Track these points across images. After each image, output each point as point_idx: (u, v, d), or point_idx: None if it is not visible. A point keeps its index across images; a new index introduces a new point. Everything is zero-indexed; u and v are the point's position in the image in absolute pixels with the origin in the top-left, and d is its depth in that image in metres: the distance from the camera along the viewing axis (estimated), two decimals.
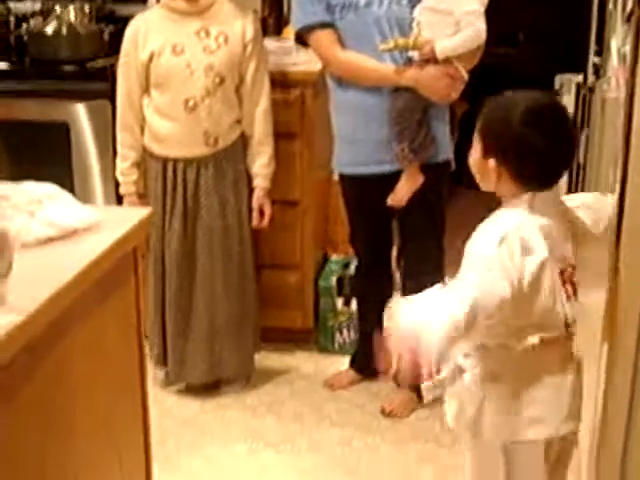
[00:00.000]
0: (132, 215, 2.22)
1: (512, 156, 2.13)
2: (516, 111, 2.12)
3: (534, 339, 2.15)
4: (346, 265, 4.17)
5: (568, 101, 4.48)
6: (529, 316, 2.12)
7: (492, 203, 2.25)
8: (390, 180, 3.45)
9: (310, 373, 4.03)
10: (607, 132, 3.21)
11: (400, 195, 3.45)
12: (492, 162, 2.16)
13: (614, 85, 2.99)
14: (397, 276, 3.96)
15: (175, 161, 3.56)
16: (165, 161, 3.57)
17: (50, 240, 2.01)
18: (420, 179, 3.42)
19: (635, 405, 2.76)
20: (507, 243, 2.05)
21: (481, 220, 2.20)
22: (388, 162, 3.43)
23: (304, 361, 4.13)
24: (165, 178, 3.58)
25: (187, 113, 3.48)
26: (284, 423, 3.65)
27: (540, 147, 2.10)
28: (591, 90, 3.55)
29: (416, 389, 3.67)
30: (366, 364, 3.92)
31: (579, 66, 4.45)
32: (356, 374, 3.94)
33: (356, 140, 3.48)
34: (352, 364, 3.96)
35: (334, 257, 4.23)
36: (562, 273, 2.15)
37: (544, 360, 2.18)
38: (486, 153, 2.18)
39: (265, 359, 4.02)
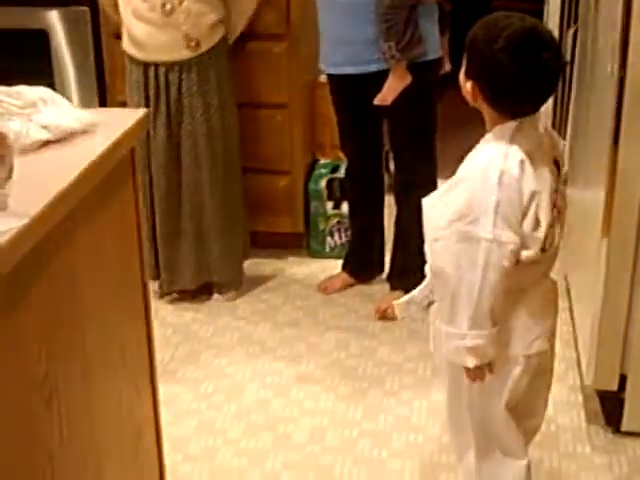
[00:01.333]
0: (128, 116, 2.15)
1: (486, 82, 2.07)
2: (498, 37, 2.02)
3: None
4: (335, 168, 4.12)
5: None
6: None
7: None
8: (379, 79, 3.38)
9: (302, 278, 4.01)
10: (601, 27, 3.15)
11: (386, 94, 3.38)
12: (469, 84, 2.10)
13: None
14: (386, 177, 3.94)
15: (156, 66, 3.47)
16: (146, 66, 3.48)
17: (47, 143, 1.94)
18: (407, 78, 3.35)
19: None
20: (502, 188, 2.01)
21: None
22: (376, 61, 3.36)
23: (296, 266, 4.10)
24: (147, 83, 3.49)
25: (165, 16, 3.37)
26: (279, 329, 3.63)
27: (517, 76, 2.01)
28: None
29: (406, 289, 3.66)
30: (359, 267, 3.91)
31: None
32: (349, 277, 3.92)
33: (343, 39, 3.39)
34: (344, 267, 3.94)
35: (322, 160, 4.17)
36: (551, 197, 2.10)
37: (518, 278, 2.12)
38: (467, 73, 2.11)
39: (256, 265, 3.99)
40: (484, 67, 2.06)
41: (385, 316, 3.62)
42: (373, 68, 3.37)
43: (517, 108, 2.08)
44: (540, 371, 2.25)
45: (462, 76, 2.15)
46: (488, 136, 2.13)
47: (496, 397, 2.25)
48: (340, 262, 4.00)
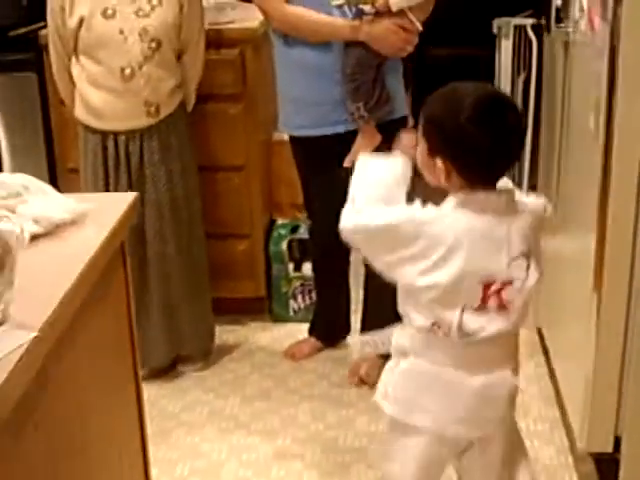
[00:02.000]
0: (115, 201, 2.02)
1: (459, 154, 2.00)
2: (461, 108, 1.97)
3: (426, 322, 2.08)
4: (294, 228, 4.00)
5: (506, 45, 4.38)
6: (411, 299, 2.10)
7: None
8: (345, 140, 3.28)
9: (267, 344, 3.87)
10: (575, 74, 3.09)
11: (356, 155, 3.28)
12: (439, 161, 2.02)
13: (585, 27, 2.86)
14: None
15: (116, 134, 3.32)
16: (104, 135, 3.33)
17: (37, 237, 1.80)
18: (377, 138, 3.26)
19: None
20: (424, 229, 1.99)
21: None
22: (343, 122, 3.27)
23: (259, 332, 3.97)
24: (106, 153, 3.34)
25: (124, 82, 3.24)
26: (250, 401, 3.48)
27: (488, 144, 1.96)
28: (547, 30, 3.41)
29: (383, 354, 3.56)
30: (327, 330, 3.79)
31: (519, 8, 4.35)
32: (317, 342, 3.79)
33: (308, 101, 3.29)
34: (311, 331, 3.81)
35: (280, 221, 4.04)
36: (487, 285, 2.02)
37: (439, 351, 2.10)
38: (431, 152, 2.04)
39: (219, 333, 3.83)
40: (452, 140, 1.99)
41: (364, 382, 3.50)
42: (340, 129, 3.28)
43: (489, 174, 2.03)
44: None
45: (423, 159, 2.07)
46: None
47: None
48: (304, 326, 3.88)
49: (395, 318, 3.50)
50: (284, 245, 3.93)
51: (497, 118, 1.98)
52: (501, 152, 2.01)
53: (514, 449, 2.26)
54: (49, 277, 1.64)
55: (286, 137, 3.88)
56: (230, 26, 3.66)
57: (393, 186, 2.14)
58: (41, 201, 1.87)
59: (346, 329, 3.81)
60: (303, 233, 3.96)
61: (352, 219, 2.12)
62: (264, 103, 3.79)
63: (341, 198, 3.56)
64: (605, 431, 2.84)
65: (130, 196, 2.01)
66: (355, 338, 2.34)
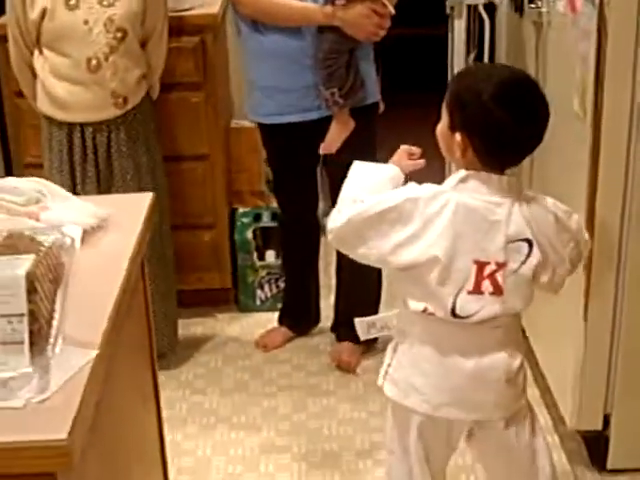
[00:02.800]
0: (132, 203, 1.95)
1: (479, 132, 2.01)
2: (487, 85, 1.98)
3: (419, 305, 2.08)
4: (257, 216, 3.95)
5: (459, 25, 4.37)
6: (406, 283, 2.10)
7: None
8: (317, 127, 3.25)
9: (237, 335, 3.82)
10: (551, 56, 3.09)
11: (331, 142, 3.26)
12: (458, 136, 2.03)
13: (564, 9, 2.86)
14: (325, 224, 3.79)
15: (82, 127, 3.23)
16: (70, 127, 3.23)
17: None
18: (351, 124, 3.23)
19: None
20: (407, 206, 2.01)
21: None
22: (315, 109, 3.23)
23: (227, 323, 3.91)
24: (72, 147, 3.24)
25: (90, 73, 3.14)
26: (228, 394, 3.43)
27: (509, 123, 1.97)
28: (519, 12, 3.41)
29: (356, 338, 3.54)
30: (297, 318, 3.76)
31: None
32: (287, 331, 3.76)
33: (280, 88, 3.23)
34: (281, 321, 3.77)
35: (242, 209, 3.98)
36: (479, 265, 2.02)
37: (433, 333, 2.11)
38: (453, 126, 2.05)
39: (186, 326, 3.77)
40: (474, 116, 1.99)
41: (344, 369, 3.50)
42: (313, 116, 3.23)
43: (507, 158, 2.04)
44: None
45: (443, 130, 2.08)
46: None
47: None
48: (272, 315, 3.84)
49: (368, 304, 3.52)
50: (249, 234, 3.88)
51: (520, 100, 1.99)
52: (520, 136, 2.00)
53: (531, 435, 2.25)
54: (91, 288, 1.57)
55: (246, 124, 3.84)
56: (190, 13, 3.58)
57: (384, 186, 2.12)
58: (64, 207, 1.80)
59: (317, 317, 3.79)
60: (266, 221, 3.91)
61: (344, 214, 2.09)
62: (223, 91, 3.72)
63: (312, 186, 3.56)
64: (594, 409, 2.87)
65: (147, 197, 1.95)
66: (361, 320, 2.31)
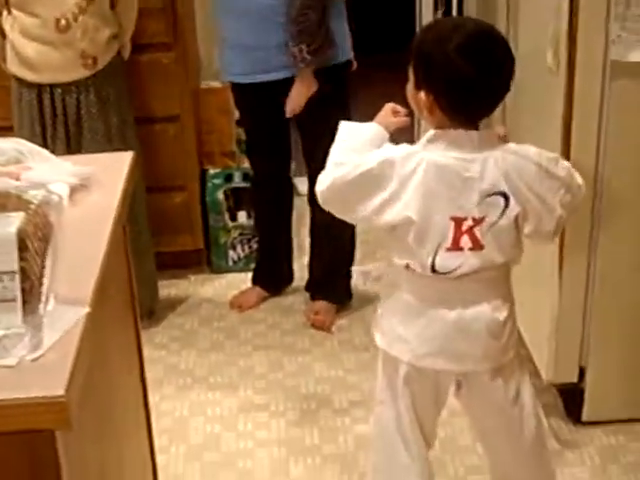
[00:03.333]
0: (113, 162, 1.94)
1: (444, 87, 1.98)
2: (452, 40, 1.95)
3: (401, 262, 2.09)
4: (227, 177, 3.93)
5: None
6: (390, 239, 2.10)
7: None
8: (289, 86, 3.24)
9: (211, 297, 3.82)
10: (523, 9, 3.09)
11: (296, 102, 3.24)
12: (422, 93, 2.01)
13: None
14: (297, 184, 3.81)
15: (52, 87, 3.20)
16: (40, 88, 3.20)
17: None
18: (314, 85, 3.22)
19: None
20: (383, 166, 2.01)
21: None
22: (287, 67, 3.21)
23: (201, 285, 3.91)
24: (42, 107, 3.22)
25: (60, 34, 3.11)
26: (205, 355, 3.44)
27: (473, 77, 1.94)
28: None
29: (330, 297, 3.56)
30: (271, 278, 3.76)
31: None
32: (261, 290, 3.76)
33: (251, 46, 3.22)
34: (255, 281, 3.78)
35: (212, 170, 3.96)
36: (457, 222, 2.03)
37: (416, 286, 2.11)
38: (418, 84, 2.03)
39: (161, 289, 3.76)
40: (438, 70, 1.98)
41: (321, 327, 3.52)
42: (287, 74, 3.22)
43: (472, 112, 2.02)
44: None
45: (410, 91, 2.07)
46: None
47: None
48: (245, 275, 3.84)
49: (342, 263, 3.53)
50: (220, 195, 3.87)
51: (485, 52, 1.96)
52: (485, 88, 1.98)
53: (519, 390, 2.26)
54: (78, 246, 1.56)
55: (215, 85, 3.83)
56: None
57: (368, 146, 2.11)
58: (45, 167, 1.78)
59: (290, 276, 3.79)
60: (238, 182, 3.90)
61: (329, 176, 2.08)
62: (193, 52, 3.70)
63: (285, 146, 3.55)
64: (570, 362, 2.90)
65: (129, 155, 1.94)
66: (359, 269, 2.32)
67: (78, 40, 3.13)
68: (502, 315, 2.16)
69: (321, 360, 3.36)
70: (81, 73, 3.19)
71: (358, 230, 3.60)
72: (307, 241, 3.68)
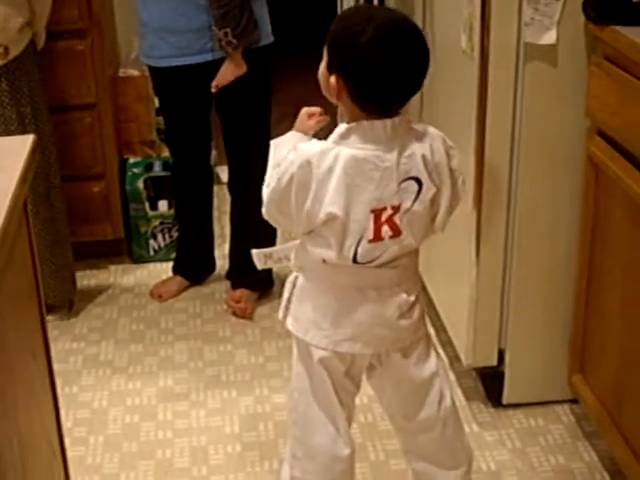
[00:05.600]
0: (11, 146, 1.88)
1: (354, 75, 1.96)
2: (366, 28, 1.92)
3: (317, 251, 2.07)
4: (148, 166, 3.89)
5: None
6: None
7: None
8: (210, 70, 3.19)
9: (131, 286, 3.77)
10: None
11: (224, 77, 3.19)
12: (333, 78, 1.98)
13: None
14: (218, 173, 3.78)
15: None
16: None
17: None
18: (243, 68, 3.19)
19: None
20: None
21: None
22: (209, 51, 3.18)
23: (120, 275, 3.86)
24: None
25: None
26: (124, 345, 3.39)
27: (385, 68, 1.92)
28: None
29: (251, 285, 3.54)
30: (192, 267, 3.73)
31: None
32: (182, 280, 3.73)
33: (173, 30, 3.18)
34: (176, 270, 3.74)
35: (132, 159, 3.91)
36: (377, 213, 2.01)
37: (331, 274, 2.10)
38: (329, 67, 2.01)
39: (79, 279, 3.71)
40: (350, 59, 1.95)
41: (239, 315, 3.50)
42: (207, 58, 3.19)
43: (384, 104, 1.99)
44: None
45: (322, 71, 2.05)
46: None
47: None
48: (166, 265, 3.81)
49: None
50: (140, 184, 3.83)
51: (399, 43, 1.93)
52: (397, 82, 1.95)
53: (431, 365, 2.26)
54: None
55: (133, 73, 3.78)
56: None
57: None
58: None
59: (211, 265, 3.76)
60: (158, 171, 3.86)
61: (264, 197, 2.09)
62: (109, 38, 3.65)
63: (205, 134, 3.51)
64: (489, 345, 2.91)
65: (29, 139, 1.89)
66: (258, 252, 2.29)
67: None
68: (412, 298, 2.16)
69: (242, 348, 3.34)
70: None
71: None
72: (228, 229, 3.64)
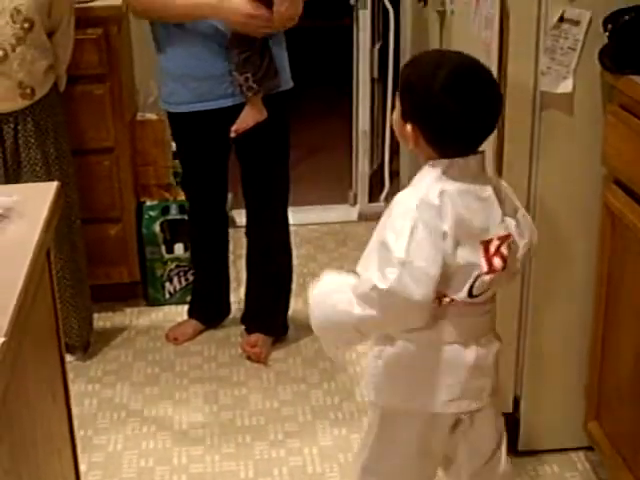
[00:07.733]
0: (37, 193, 1.91)
1: (430, 123, 1.97)
2: (437, 75, 1.92)
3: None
4: (164, 210, 3.91)
5: (364, 16, 4.40)
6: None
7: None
8: (229, 115, 3.22)
9: (147, 329, 3.78)
10: (454, 44, 3.13)
11: (244, 122, 3.21)
12: (409, 126, 1.99)
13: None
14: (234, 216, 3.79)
15: None
16: None
17: None
18: (264, 112, 3.21)
19: None
20: (421, 213, 1.93)
21: None
22: (229, 96, 3.20)
23: (136, 317, 3.87)
24: None
25: None
26: (139, 388, 3.39)
27: (460, 116, 1.93)
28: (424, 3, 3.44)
29: (265, 329, 3.55)
30: (207, 311, 3.74)
31: None
32: (197, 323, 3.73)
33: (194, 77, 3.20)
34: (191, 313, 3.75)
35: (149, 202, 3.94)
36: (486, 245, 2.00)
37: (430, 326, 2.04)
38: (404, 116, 2.01)
39: (96, 321, 3.71)
40: (424, 107, 1.97)
41: (257, 359, 3.50)
42: (227, 103, 3.21)
43: (460, 147, 2.00)
44: None
45: (396, 119, 2.05)
46: (420, 174, 2.04)
47: None
48: (181, 308, 3.82)
49: (278, 295, 3.53)
50: (157, 227, 3.85)
51: (472, 90, 1.94)
52: (472, 124, 1.96)
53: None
54: None
55: (151, 117, 3.81)
56: (94, 4, 3.53)
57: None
58: None
59: (226, 309, 3.77)
60: (174, 214, 3.88)
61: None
62: (128, 83, 3.69)
63: (221, 178, 3.53)
64: (505, 392, 2.90)
65: (53, 185, 1.91)
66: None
67: (16, 71, 3.10)
68: (498, 344, 2.16)
69: (256, 392, 3.34)
70: (19, 103, 3.16)
71: (294, 262, 3.60)
72: (244, 273, 3.66)
